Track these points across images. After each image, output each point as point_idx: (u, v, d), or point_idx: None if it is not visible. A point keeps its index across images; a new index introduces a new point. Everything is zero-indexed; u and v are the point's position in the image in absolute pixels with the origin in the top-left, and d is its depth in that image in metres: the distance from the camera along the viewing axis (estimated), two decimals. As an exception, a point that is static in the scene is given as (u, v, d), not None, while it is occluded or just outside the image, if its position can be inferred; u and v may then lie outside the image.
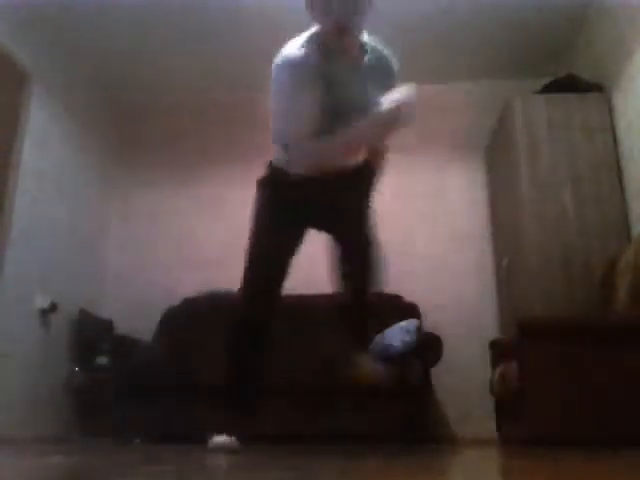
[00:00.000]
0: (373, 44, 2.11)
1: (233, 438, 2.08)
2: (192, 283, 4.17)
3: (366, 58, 2.06)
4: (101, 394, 3.60)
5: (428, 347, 3.30)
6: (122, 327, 4.11)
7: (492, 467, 1.50)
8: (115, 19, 3.80)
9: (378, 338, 3.22)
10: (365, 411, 3.15)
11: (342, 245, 2.27)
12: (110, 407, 3.39)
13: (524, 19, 3.80)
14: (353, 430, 3.11)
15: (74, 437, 3.73)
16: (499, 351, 3.13)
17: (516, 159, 3.49)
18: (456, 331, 3.82)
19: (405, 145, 4.45)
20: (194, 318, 3.92)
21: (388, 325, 3.36)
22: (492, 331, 3.80)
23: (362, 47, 2.06)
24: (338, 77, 1.97)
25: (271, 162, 2.20)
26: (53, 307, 3.81)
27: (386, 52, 2.18)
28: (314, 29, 1.96)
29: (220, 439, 2.07)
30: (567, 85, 3.59)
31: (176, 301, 4.13)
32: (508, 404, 2.83)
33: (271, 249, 2.19)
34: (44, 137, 3.93)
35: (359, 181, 2.22)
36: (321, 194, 2.11)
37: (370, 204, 2.30)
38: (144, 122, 4.83)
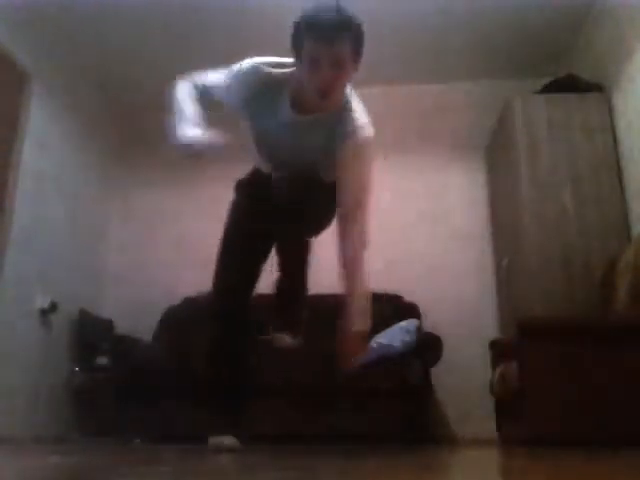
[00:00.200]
0: (348, 109, 1.95)
1: (233, 438, 2.08)
2: (192, 283, 4.16)
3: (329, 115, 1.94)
4: (101, 394, 3.60)
5: (428, 347, 3.30)
6: (122, 327, 4.11)
7: (492, 467, 1.50)
8: (115, 19, 3.80)
9: (378, 338, 3.22)
10: (365, 411, 3.15)
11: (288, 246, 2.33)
12: (110, 407, 3.39)
13: (524, 19, 3.80)
14: (353, 430, 3.11)
15: (74, 437, 3.73)
16: (499, 351, 3.13)
17: (516, 159, 3.49)
18: (456, 331, 3.82)
19: (405, 145, 4.46)
20: (194, 318, 3.92)
21: (388, 325, 3.36)
22: (492, 331, 3.79)
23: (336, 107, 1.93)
24: (280, 129, 1.97)
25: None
26: (53, 307, 3.81)
27: (353, 118, 1.95)
28: (295, 78, 1.90)
29: (220, 439, 2.07)
30: (567, 85, 3.59)
31: (176, 301, 4.13)
32: (508, 404, 2.83)
33: (242, 247, 2.26)
34: (44, 137, 3.93)
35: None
36: (292, 191, 2.04)
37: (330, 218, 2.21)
38: (144, 122, 4.83)
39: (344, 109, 1.93)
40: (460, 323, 3.93)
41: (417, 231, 4.23)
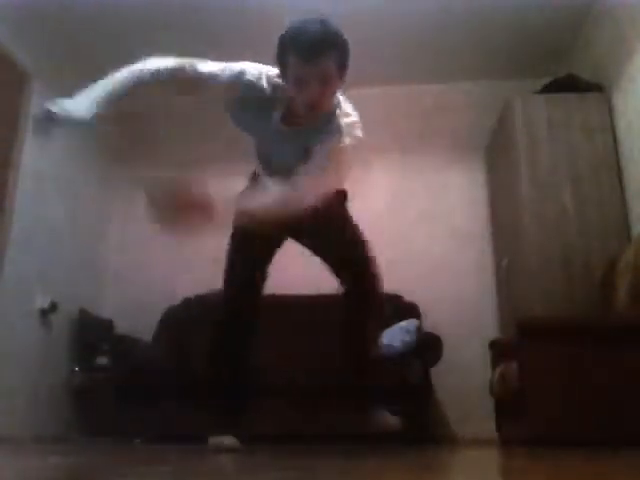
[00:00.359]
0: (338, 113, 1.95)
1: (233, 438, 2.08)
2: (192, 283, 4.17)
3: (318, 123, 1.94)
4: (101, 394, 3.60)
5: (428, 347, 3.30)
6: (122, 327, 4.11)
7: (492, 467, 1.50)
8: (115, 19, 3.79)
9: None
10: (365, 411, 3.14)
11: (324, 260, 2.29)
12: (110, 407, 3.39)
13: (524, 19, 3.80)
14: (353, 430, 3.10)
15: (74, 437, 3.73)
16: (499, 351, 3.13)
17: (516, 159, 3.49)
18: (456, 331, 3.82)
19: (405, 145, 4.46)
20: (194, 318, 3.92)
21: (388, 325, 3.36)
22: (492, 331, 3.79)
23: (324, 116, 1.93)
24: (273, 137, 1.99)
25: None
26: (53, 307, 3.80)
27: (343, 118, 1.96)
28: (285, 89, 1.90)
29: (220, 439, 2.07)
30: (567, 85, 3.59)
31: (176, 301, 4.13)
32: (508, 404, 2.83)
33: (250, 250, 2.24)
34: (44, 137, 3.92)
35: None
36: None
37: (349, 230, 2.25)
38: (144, 122, 4.83)
39: (333, 113, 1.93)
40: (460, 323, 3.92)
41: (417, 231, 4.23)
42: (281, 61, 1.84)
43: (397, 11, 3.71)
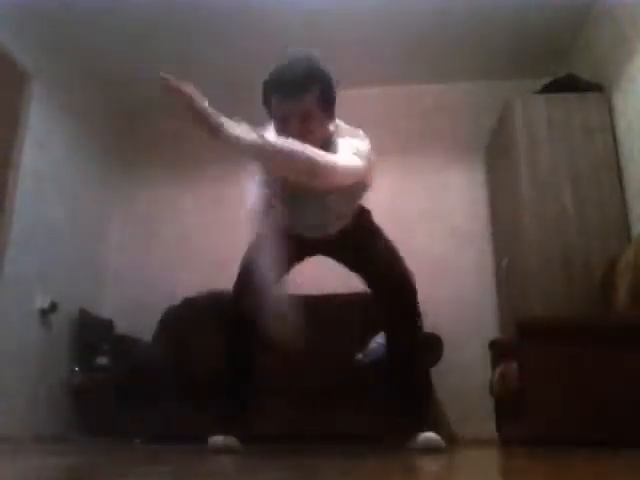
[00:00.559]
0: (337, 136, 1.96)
1: (233, 438, 2.08)
2: (192, 283, 4.17)
3: None
4: (101, 394, 3.60)
5: (428, 347, 3.29)
6: (122, 327, 4.11)
7: (492, 467, 1.50)
8: (115, 19, 3.79)
9: (378, 338, 3.22)
10: (365, 411, 3.15)
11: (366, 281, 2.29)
12: (110, 407, 3.39)
13: (524, 19, 3.80)
14: (353, 430, 3.11)
15: (74, 437, 3.73)
16: (499, 351, 3.13)
17: (516, 159, 3.49)
18: (456, 331, 3.82)
19: (405, 145, 4.46)
20: (194, 318, 3.92)
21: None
22: (492, 331, 3.79)
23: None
24: None
25: None
26: (53, 307, 3.81)
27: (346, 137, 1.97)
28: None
29: (220, 439, 2.07)
30: (567, 85, 3.59)
31: (176, 301, 4.13)
32: (508, 404, 2.83)
33: (264, 254, 2.22)
34: (44, 137, 3.93)
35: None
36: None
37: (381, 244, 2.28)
38: (144, 122, 4.83)
39: (329, 139, 1.93)
40: (460, 323, 3.92)
41: (417, 231, 4.23)
42: (266, 103, 1.90)
43: (397, 11, 3.71)
